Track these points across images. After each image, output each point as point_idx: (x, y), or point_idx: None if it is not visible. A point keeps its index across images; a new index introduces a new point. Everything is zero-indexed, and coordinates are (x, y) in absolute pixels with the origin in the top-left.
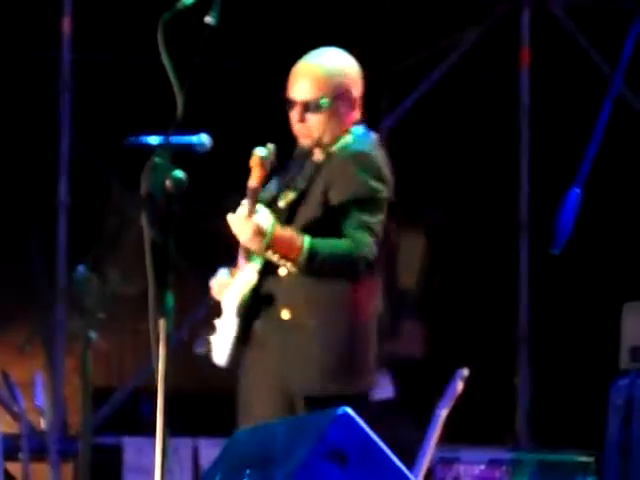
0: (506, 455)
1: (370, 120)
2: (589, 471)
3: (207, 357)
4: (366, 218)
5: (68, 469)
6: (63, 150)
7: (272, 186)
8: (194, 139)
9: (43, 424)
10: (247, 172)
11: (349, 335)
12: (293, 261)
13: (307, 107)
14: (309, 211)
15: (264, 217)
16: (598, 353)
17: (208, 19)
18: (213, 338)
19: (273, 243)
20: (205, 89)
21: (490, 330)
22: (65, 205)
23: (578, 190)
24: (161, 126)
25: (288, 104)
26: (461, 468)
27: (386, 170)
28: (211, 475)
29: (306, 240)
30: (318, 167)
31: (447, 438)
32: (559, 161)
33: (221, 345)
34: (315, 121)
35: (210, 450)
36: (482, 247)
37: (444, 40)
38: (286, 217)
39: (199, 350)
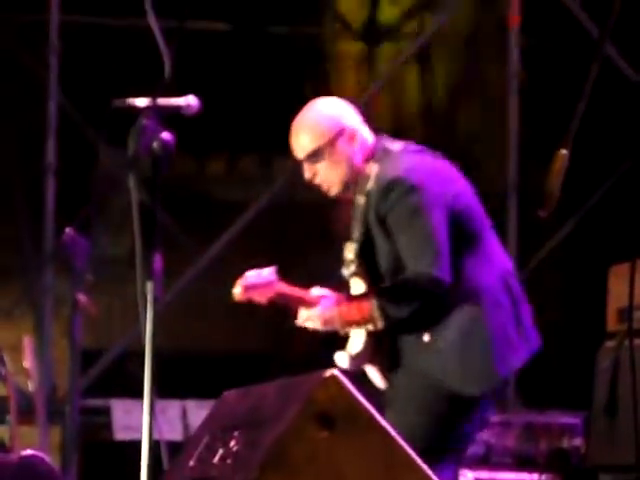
0: (494, 417)
1: None
2: (576, 433)
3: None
4: (415, 238)
5: (56, 431)
6: (51, 113)
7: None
8: (182, 101)
9: (31, 387)
10: (235, 136)
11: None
12: (372, 323)
13: (310, 161)
14: (380, 252)
15: (326, 305)
16: (586, 315)
17: None
18: (341, 352)
19: (344, 321)
20: (193, 51)
21: None
22: (53, 168)
23: (565, 152)
24: (149, 88)
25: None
26: None
27: (418, 173)
28: (199, 436)
29: (373, 302)
30: (364, 210)
31: None
32: (548, 123)
33: (348, 355)
34: (323, 170)
35: (198, 411)
36: None
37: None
38: (360, 267)
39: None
